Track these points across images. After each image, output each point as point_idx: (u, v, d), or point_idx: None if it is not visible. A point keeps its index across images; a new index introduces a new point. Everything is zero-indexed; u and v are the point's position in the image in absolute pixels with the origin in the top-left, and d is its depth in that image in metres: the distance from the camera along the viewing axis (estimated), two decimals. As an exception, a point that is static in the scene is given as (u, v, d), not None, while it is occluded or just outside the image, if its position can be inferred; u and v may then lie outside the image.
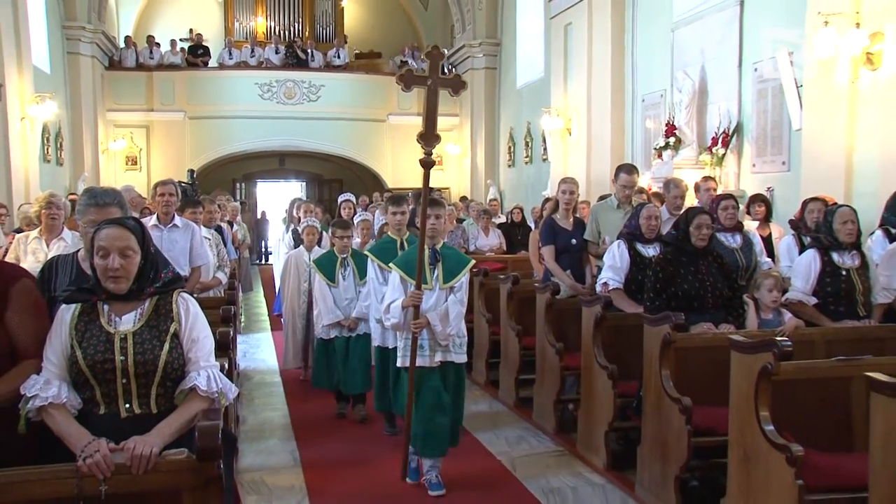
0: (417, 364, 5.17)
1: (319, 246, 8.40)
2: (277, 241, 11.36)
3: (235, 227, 12.67)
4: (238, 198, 23.01)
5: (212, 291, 7.10)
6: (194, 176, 18.29)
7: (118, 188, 8.01)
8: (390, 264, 5.41)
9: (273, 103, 21.91)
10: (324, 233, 8.72)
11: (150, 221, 6.21)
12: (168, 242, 6.20)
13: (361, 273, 6.84)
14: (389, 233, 6.28)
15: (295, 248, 9.08)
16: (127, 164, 21.03)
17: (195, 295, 5.85)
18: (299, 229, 8.96)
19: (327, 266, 7.05)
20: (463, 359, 5.36)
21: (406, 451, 5.39)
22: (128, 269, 3.01)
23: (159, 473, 2.69)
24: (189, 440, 2.88)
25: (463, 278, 5.32)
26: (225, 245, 8.42)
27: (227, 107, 21.57)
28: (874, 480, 3.38)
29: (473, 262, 5.51)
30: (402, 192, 6.44)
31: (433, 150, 5.33)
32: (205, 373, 3.04)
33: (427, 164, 5.34)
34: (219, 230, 8.67)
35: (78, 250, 3.92)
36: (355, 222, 8.53)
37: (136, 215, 5.14)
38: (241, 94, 21.69)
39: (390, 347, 5.87)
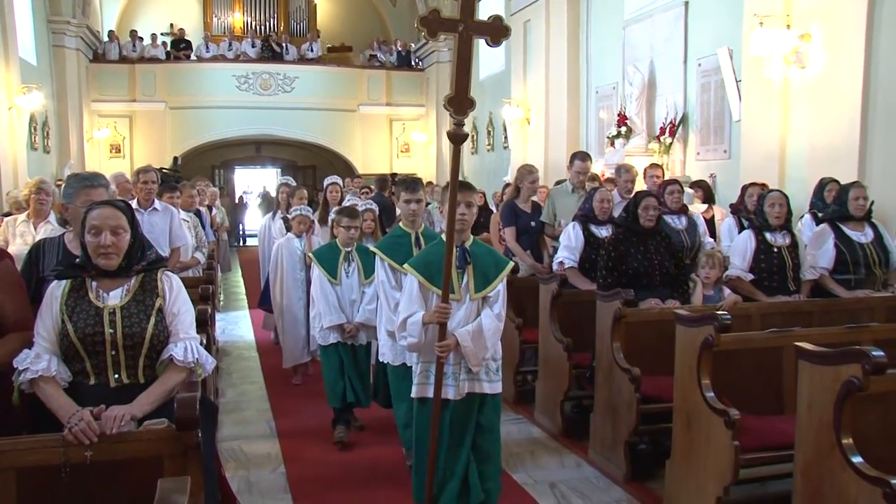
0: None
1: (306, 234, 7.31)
2: (262, 228, 9.36)
3: (214, 210, 12.54)
4: (217, 183, 22.80)
5: (191, 271, 7.04)
6: (178, 163, 18.12)
7: (113, 174, 7.89)
8: (406, 265, 3.90)
9: (250, 94, 21.81)
10: (315, 223, 7.65)
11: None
12: (148, 225, 6.14)
13: (367, 271, 5.58)
14: (402, 224, 4.82)
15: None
16: (111, 151, 20.79)
17: (175, 274, 5.85)
18: (289, 216, 7.81)
19: (328, 260, 5.68)
20: (498, 388, 3.86)
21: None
22: (119, 246, 3.00)
23: (140, 442, 2.68)
24: (170, 410, 2.87)
25: (500, 286, 3.84)
26: (203, 228, 8.35)
27: (206, 97, 21.40)
28: (800, 438, 3.46)
29: (512, 263, 4.03)
30: (414, 176, 4.99)
31: (464, 120, 3.67)
32: (182, 344, 3.03)
33: (457, 138, 3.64)
34: (197, 214, 8.60)
35: (64, 233, 3.87)
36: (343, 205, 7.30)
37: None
38: (219, 86, 21.55)
39: (394, 363, 4.65)
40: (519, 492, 4.68)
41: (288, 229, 7.83)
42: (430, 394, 3.74)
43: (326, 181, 8.96)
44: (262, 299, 8.35)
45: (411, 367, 4.16)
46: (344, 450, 5.45)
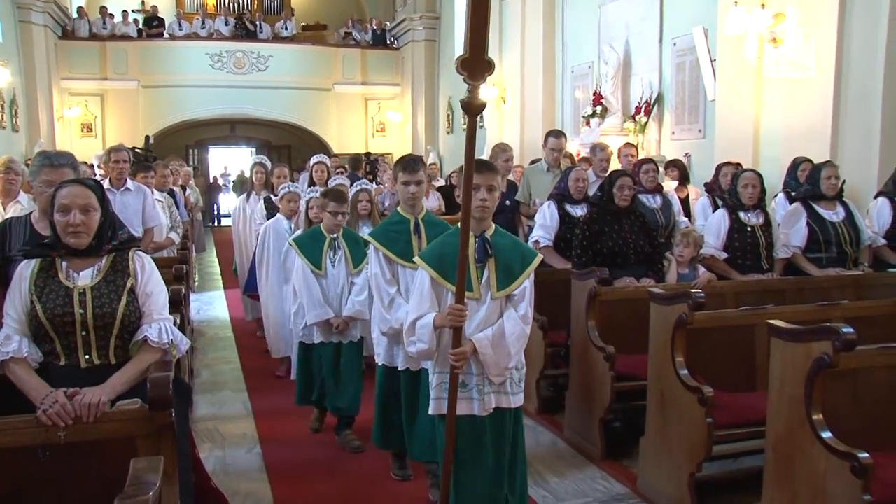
0: (459, 411, 3.21)
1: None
2: (235, 209, 8.67)
3: (188, 190, 12.44)
4: (191, 163, 22.61)
5: (165, 251, 6.97)
6: (150, 142, 17.91)
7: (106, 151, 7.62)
8: (416, 258, 3.38)
9: (223, 73, 21.55)
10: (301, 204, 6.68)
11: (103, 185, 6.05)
12: (121, 205, 6.06)
13: (356, 259, 5.11)
14: (400, 209, 4.22)
15: (269, 218, 7.15)
16: (82, 131, 20.45)
17: (149, 254, 5.79)
18: (274, 197, 7.39)
19: (311, 247, 5.11)
20: (520, 400, 3.36)
21: None
22: (88, 224, 2.96)
23: (114, 422, 2.66)
24: (144, 391, 2.85)
25: (526, 282, 3.32)
26: (177, 207, 8.27)
27: (179, 76, 21.10)
28: (772, 414, 3.50)
29: (541, 256, 3.46)
30: (415, 155, 4.56)
31: (481, 85, 2.95)
32: (157, 325, 3.01)
33: (472, 107, 2.95)
34: (171, 193, 8.52)
35: (31, 212, 3.82)
36: (316, 188, 6.61)
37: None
38: (192, 64, 21.27)
39: (400, 368, 4.13)
40: (495, 469, 4.70)
41: (269, 210, 7.34)
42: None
43: (312, 160, 8.44)
44: (247, 285, 7.69)
45: (402, 370, 4.06)
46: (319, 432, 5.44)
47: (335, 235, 5.15)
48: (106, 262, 3.04)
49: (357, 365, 5.16)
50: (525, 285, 3.30)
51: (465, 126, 18.57)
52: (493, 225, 3.36)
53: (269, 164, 8.68)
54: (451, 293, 3.18)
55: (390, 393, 4.21)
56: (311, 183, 7.68)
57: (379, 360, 4.26)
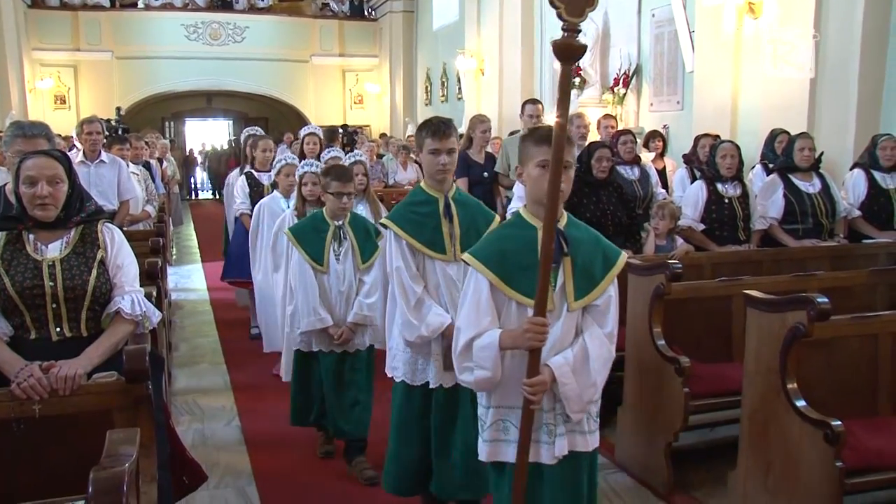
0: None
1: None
2: (227, 185, 7.76)
3: (165, 163, 12.32)
4: (167, 135, 22.35)
5: (141, 224, 6.91)
6: (121, 113, 17.63)
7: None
8: (468, 257, 2.57)
9: (199, 44, 21.23)
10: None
11: (76, 158, 5.98)
12: (96, 178, 6.01)
13: (365, 251, 4.26)
14: (425, 185, 3.38)
15: (252, 197, 6.54)
16: (55, 102, 20.05)
17: (125, 227, 5.74)
18: (256, 172, 6.79)
19: (311, 238, 4.21)
20: (597, 440, 2.66)
21: None
22: (56, 196, 2.90)
23: (90, 395, 2.64)
24: (119, 363, 2.83)
25: (611, 289, 2.56)
26: (153, 180, 8.20)
27: (154, 47, 20.73)
28: (747, 384, 3.55)
29: (625, 255, 2.66)
30: (444, 118, 3.36)
31: (580, 25, 2.33)
32: (129, 297, 2.98)
33: (568, 50, 2.36)
34: (147, 166, 8.43)
35: (5, 184, 3.76)
36: (323, 161, 5.73)
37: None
38: (167, 35, 20.90)
39: (432, 385, 3.28)
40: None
41: (252, 188, 6.65)
42: (510, 457, 2.51)
43: (303, 131, 7.65)
44: (225, 269, 7.02)
45: (433, 387, 3.25)
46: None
47: (340, 223, 4.24)
48: (74, 235, 2.99)
49: (365, 377, 4.33)
50: (610, 293, 2.55)
51: (443, 98, 18.62)
52: (566, 213, 2.58)
53: (262, 133, 7.86)
54: (515, 304, 2.50)
55: (411, 420, 3.36)
56: (303, 156, 6.88)
57: (397, 377, 3.38)
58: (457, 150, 3.35)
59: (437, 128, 3.28)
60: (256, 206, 5.96)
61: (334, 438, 4.48)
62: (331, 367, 4.24)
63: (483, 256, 2.53)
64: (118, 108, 17.80)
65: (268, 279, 5.54)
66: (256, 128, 7.97)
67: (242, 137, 7.79)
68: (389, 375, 3.44)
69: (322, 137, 7.67)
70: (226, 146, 24.79)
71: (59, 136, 10.63)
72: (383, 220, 3.39)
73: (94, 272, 2.95)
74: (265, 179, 6.66)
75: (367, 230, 4.34)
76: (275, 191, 6.04)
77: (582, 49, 2.41)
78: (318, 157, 6.40)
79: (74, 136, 6.45)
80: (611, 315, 2.54)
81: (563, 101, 2.39)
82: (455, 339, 2.56)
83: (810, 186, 5.79)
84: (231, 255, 6.89)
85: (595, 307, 2.53)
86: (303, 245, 4.20)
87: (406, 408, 3.37)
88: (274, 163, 6.25)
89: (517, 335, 2.41)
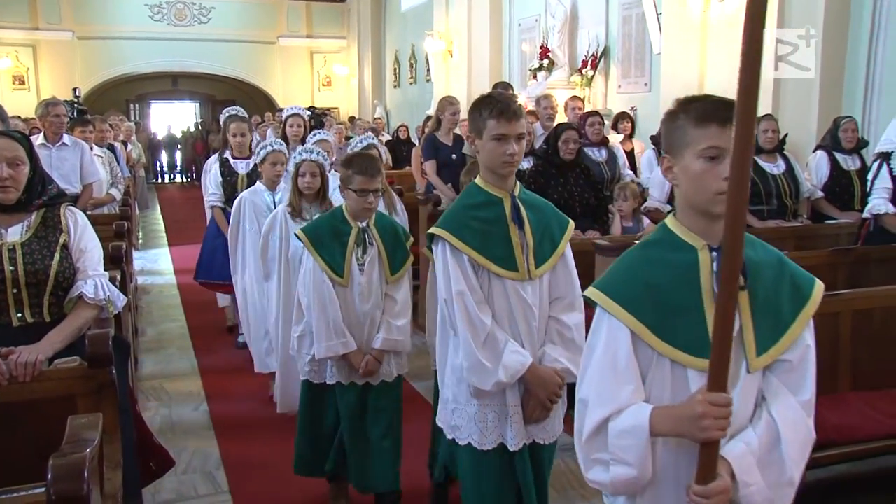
0: None
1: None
2: (207, 172, 6.52)
3: (130, 146, 12.16)
4: (132, 118, 22.04)
5: (106, 208, 6.82)
6: (77, 94, 17.22)
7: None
8: (594, 290, 1.81)
9: (164, 25, 20.97)
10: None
11: (37, 140, 5.86)
12: (57, 160, 5.92)
13: (394, 262, 3.46)
14: (482, 182, 2.62)
15: (226, 187, 5.83)
16: (14, 83, 19.53)
17: (89, 211, 5.65)
18: (232, 159, 5.96)
19: (329, 242, 3.39)
20: None
21: None
22: (17, 178, 2.84)
23: (52, 381, 2.60)
24: (82, 349, 2.79)
25: (806, 334, 1.77)
26: (118, 163, 8.08)
27: (117, 28, 20.41)
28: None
29: (821, 284, 1.81)
30: (508, 93, 2.97)
31: None
32: (92, 281, 2.93)
33: None
34: (111, 149, 8.30)
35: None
36: (309, 146, 4.55)
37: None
38: (130, 16, 20.60)
39: (512, 448, 2.55)
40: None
41: (226, 177, 5.90)
42: None
43: (286, 112, 6.83)
44: (198, 270, 6.14)
45: (516, 451, 2.53)
46: (264, 381, 5.21)
47: (365, 224, 3.43)
48: (36, 218, 2.94)
49: (394, 416, 3.53)
50: (807, 342, 1.76)
51: (412, 80, 18.57)
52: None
53: (244, 115, 6.99)
54: (669, 363, 1.72)
55: (493, 494, 2.60)
56: (285, 140, 6.14)
57: (460, 439, 2.60)
58: (525, 136, 2.61)
59: (506, 106, 2.51)
60: (236, 201, 5.08)
61: (356, 491, 3.58)
62: (351, 403, 3.42)
63: (619, 292, 1.76)
64: (75, 90, 17.40)
65: (254, 289, 4.86)
66: (237, 108, 7.32)
67: (222, 119, 7.05)
68: (450, 437, 2.64)
69: (306, 119, 6.85)
70: (193, 129, 24.45)
71: (20, 118, 10.48)
72: (433, 230, 2.57)
73: (57, 256, 2.90)
74: (241, 168, 5.93)
75: (396, 233, 3.52)
76: (257, 182, 5.17)
77: None
78: (302, 141, 5.96)
79: (37, 117, 6.32)
80: (808, 375, 1.76)
81: (751, 70, 1.44)
82: (579, 416, 1.79)
83: (775, 168, 5.85)
84: (203, 252, 6.08)
85: (785, 363, 1.74)
86: (318, 249, 3.37)
87: (485, 479, 2.58)
88: (255, 148, 5.35)
89: (681, 417, 1.62)
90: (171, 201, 17.43)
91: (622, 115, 8.63)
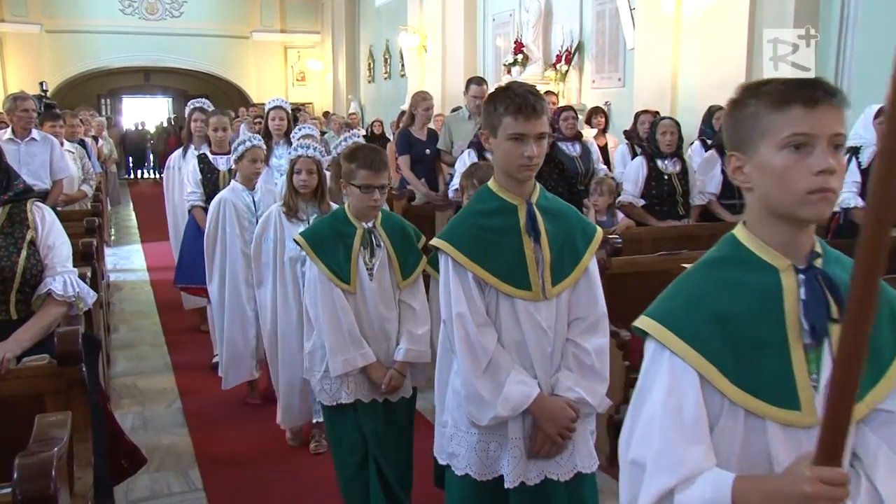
0: None
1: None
2: (170, 168, 6.63)
3: (101, 141, 12.01)
4: (103, 113, 21.76)
5: (77, 204, 6.72)
6: (44, 88, 16.93)
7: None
8: (647, 320, 1.49)
9: (135, 18, 20.78)
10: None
11: (4, 135, 5.78)
12: (27, 156, 5.83)
13: (406, 265, 3.16)
14: (494, 187, 2.35)
15: (206, 185, 5.41)
16: (-21, 77, 19.30)
17: (60, 207, 5.58)
18: (212, 155, 5.58)
19: (332, 245, 3.09)
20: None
21: None
22: None
23: (20, 379, 2.56)
24: (51, 346, 2.75)
25: None
26: (89, 159, 7.97)
27: (86, 21, 20.16)
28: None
29: None
30: (528, 87, 2.29)
31: None
32: (61, 278, 2.89)
33: None
34: (82, 144, 8.19)
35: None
36: (295, 140, 4.75)
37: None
38: (100, 9, 20.37)
39: (509, 485, 2.28)
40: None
41: (205, 174, 5.46)
42: None
43: (269, 104, 6.39)
44: (178, 275, 5.76)
45: (512, 489, 2.25)
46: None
47: (370, 224, 3.14)
48: (2, 214, 2.89)
49: (409, 436, 3.26)
50: None
51: (386, 75, 18.47)
52: (816, 239, 1.46)
53: (210, 107, 6.78)
54: (744, 415, 1.36)
55: None
56: (268, 134, 5.99)
57: (457, 468, 2.34)
58: (547, 135, 2.27)
59: (525, 101, 2.16)
60: (214, 200, 4.68)
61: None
62: (376, 424, 3.07)
63: (682, 324, 1.41)
64: (42, 83, 17.09)
65: (233, 299, 4.57)
66: (203, 100, 7.03)
67: (187, 111, 6.71)
68: (443, 462, 2.40)
69: (290, 112, 6.47)
70: (166, 124, 24.19)
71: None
72: (435, 241, 2.32)
73: (24, 253, 2.85)
74: (222, 164, 5.53)
75: (405, 233, 3.22)
76: (233, 180, 4.81)
77: None
78: (286, 135, 5.90)
79: (4, 112, 6.21)
80: None
81: None
82: (630, 485, 1.43)
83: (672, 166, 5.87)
84: (183, 255, 5.73)
85: (883, 414, 1.37)
86: (321, 255, 3.05)
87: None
88: (234, 144, 4.80)
89: (779, 496, 1.23)
90: (144, 197, 17.25)
91: (596, 110, 8.67)
